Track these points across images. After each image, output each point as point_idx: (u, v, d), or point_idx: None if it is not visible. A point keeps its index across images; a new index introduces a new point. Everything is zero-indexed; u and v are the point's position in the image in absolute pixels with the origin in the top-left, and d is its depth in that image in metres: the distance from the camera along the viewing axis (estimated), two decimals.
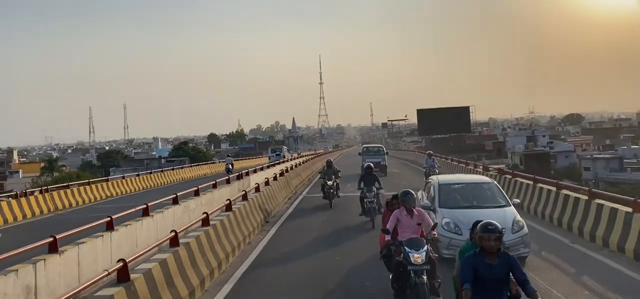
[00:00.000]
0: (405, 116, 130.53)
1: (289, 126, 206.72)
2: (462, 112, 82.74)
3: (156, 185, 30.53)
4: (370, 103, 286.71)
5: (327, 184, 16.89)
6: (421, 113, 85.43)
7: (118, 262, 6.43)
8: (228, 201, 11.92)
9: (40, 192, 20.47)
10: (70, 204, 21.62)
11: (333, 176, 17.09)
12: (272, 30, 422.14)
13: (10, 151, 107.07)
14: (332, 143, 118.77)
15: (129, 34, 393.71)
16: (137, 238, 10.20)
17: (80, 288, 5.91)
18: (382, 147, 34.11)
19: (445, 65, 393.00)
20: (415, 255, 6.44)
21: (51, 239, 7.70)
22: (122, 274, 6.37)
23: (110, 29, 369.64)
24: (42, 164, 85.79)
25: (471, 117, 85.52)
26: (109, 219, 9.58)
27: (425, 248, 6.52)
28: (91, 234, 8.96)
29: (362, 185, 13.84)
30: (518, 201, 10.45)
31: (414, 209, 7.01)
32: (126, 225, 10.05)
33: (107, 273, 6.32)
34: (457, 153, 50.12)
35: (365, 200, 13.43)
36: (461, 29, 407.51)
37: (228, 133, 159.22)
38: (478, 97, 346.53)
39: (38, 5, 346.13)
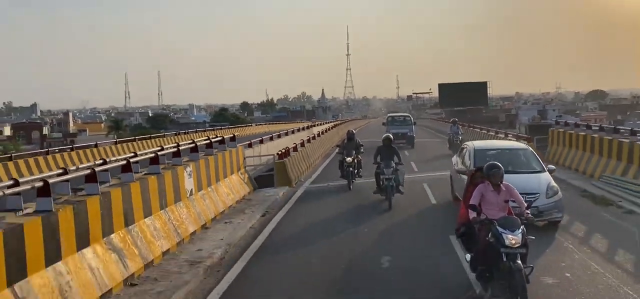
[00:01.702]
0: (430, 89, 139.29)
1: (315, 97, 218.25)
2: (480, 87, 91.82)
3: (252, 134, 41.21)
4: (397, 76, 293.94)
5: (345, 161, 14.48)
6: (442, 87, 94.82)
7: (302, 139, 17.56)
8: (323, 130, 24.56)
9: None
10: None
11: (354, 151, 14.64)
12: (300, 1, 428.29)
13: (66, 113, 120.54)
14: (361, 114, 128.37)
15: (163, 3, 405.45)
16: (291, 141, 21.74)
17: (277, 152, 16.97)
18: (409, 117, 31.43)
19: (476, 39, 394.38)
20: (511, 236, 5.85)
21: (260, 140, 18.60)
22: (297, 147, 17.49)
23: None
24: (102, 124, 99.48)
25: (490, 92, 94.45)
26: (270, 137, 20.45)
27: (521, 229, 5.98)
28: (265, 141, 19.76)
29: (378, 159, 12.62)
30: (553, 167, 10.73)
31: (501, 185, 6.40)
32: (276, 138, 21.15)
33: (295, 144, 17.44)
34: (473, 124, 59.06)
35: (381, 176, 12.21)
36: (493, 3, 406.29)
37: (259, 102, 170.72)
38: (507, 72, 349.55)
39: None
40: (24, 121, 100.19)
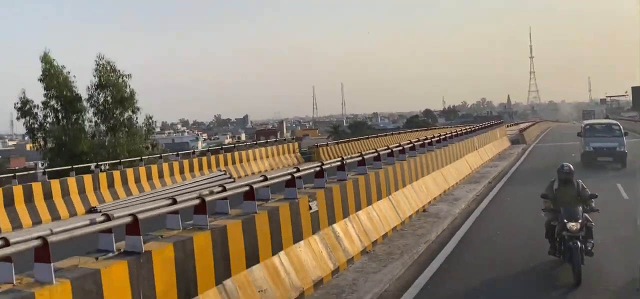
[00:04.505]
0: (626, 92, 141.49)
1: (495, 102, 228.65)
2: None
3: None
4: (588, 77, 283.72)
5: (566, 229, 7.71)
6: (636, 90, 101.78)
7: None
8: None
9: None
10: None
11: (580, 207, 7.88)
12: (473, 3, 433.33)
13: (281, 122, 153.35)
14: (553, 119, 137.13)
15: (345, 21, 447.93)
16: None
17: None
18: (617, 125, 23.00)
19: None
20: None
21: (508, 125, 38.11)
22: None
23: (329, 17, 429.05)
24: (317, 131, 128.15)
25: None
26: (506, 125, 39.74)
27: None
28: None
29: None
30: None
31: None
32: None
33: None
34: None
35: None
36: None
37: (441, 109, 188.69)
38: None
39: None
40: (263, 128, 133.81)
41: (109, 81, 31.11)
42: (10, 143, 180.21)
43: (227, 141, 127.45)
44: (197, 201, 6.20)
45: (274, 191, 8.01)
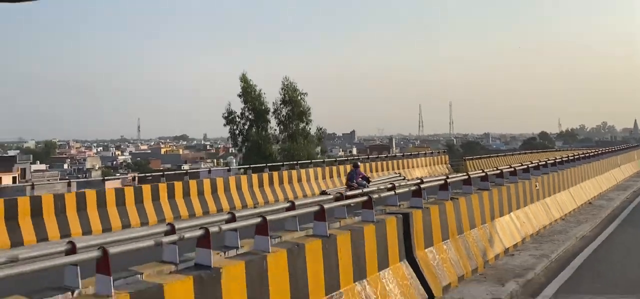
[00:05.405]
0: None
1: (617, 127, 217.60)
2: None
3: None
4: None
5: None
6: None
7: None
8: None
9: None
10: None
11: None
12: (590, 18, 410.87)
13: (390, 138, 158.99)
14: None
15: (457, 39, 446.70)
16: None
17: None
18: None
19: None
20: None
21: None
22: None
23: (437, 36, 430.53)
24: (428, 147, 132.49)
25: None
26: None
27: None
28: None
29: None
30: None
31: None
32: None
33: None
34: None
35: None
36: None
37: (558, 132, 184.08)
38: None
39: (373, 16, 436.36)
40: (374, 144, 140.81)
41: (291, 98, 39.13)
42: (142, 147, 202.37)
43: (340, 154, 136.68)
44: (483, 174, 12.58)
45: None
